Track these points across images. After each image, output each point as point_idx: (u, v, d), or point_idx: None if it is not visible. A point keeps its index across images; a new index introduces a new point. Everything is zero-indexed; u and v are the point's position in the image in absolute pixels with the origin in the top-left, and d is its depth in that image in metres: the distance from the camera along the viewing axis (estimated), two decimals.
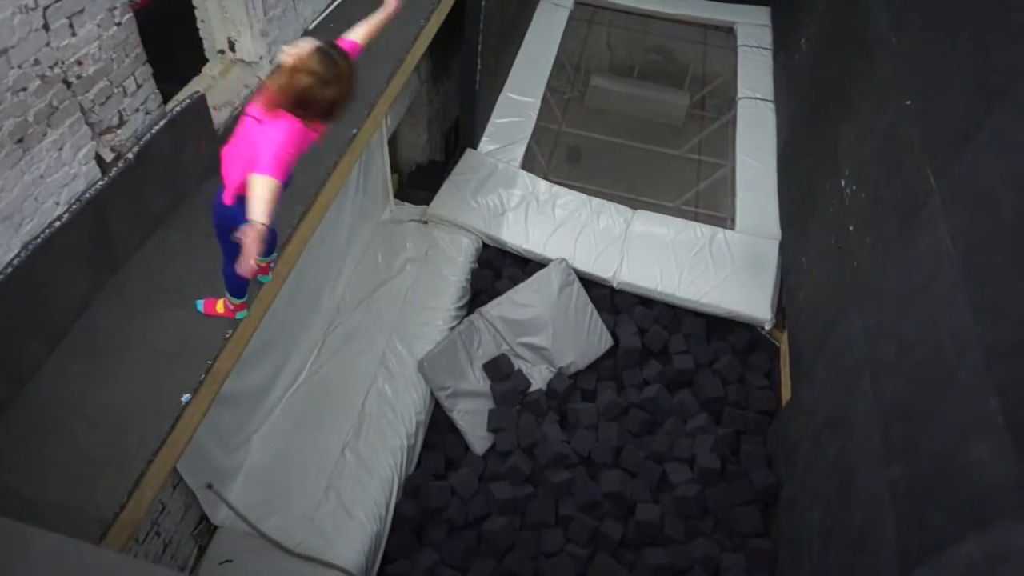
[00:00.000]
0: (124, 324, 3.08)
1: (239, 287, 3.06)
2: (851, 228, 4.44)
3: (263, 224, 2.22)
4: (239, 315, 3.17)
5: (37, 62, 2.55)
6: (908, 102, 4.00)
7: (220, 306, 3.14)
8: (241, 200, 2.48)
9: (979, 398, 2.60)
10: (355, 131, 4.18)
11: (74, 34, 2.69)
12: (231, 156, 2.58)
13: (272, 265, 3.35)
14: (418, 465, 4.96)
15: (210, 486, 4.06)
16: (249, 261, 2.19)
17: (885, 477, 3.17)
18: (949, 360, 2.88)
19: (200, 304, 3.16)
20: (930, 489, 2.82)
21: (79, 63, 2.75)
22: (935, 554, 2.61)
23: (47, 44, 2.58)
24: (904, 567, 2.82)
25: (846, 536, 3.43)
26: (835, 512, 3.64)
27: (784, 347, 5.36)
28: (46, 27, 2.55)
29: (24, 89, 2.53)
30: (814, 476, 4.05)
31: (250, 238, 2.18)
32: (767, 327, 5.55)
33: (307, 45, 2.34)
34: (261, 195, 2.26)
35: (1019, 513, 2.22)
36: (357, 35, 2.77)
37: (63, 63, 2.68)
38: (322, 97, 2.36)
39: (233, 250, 2.61)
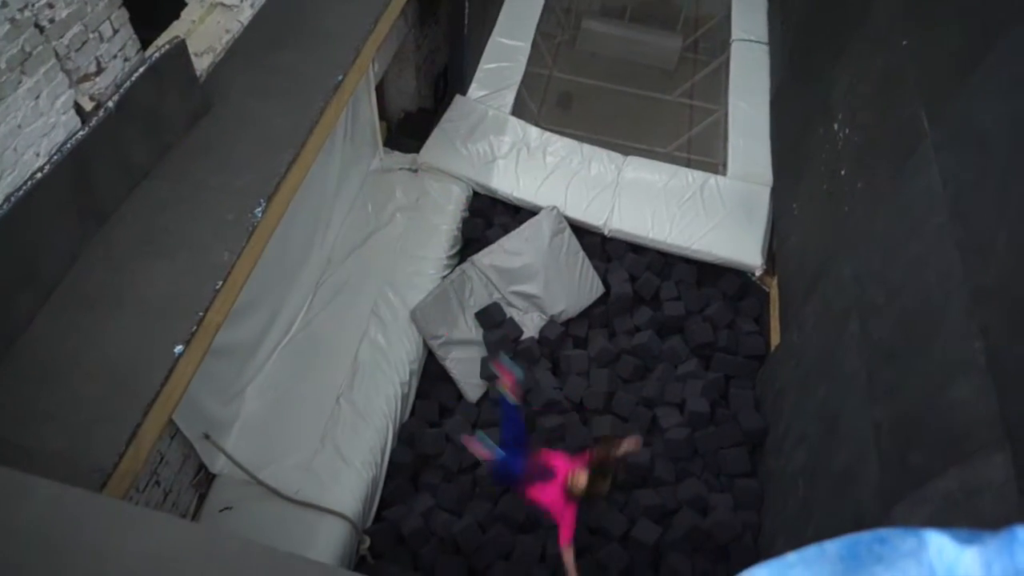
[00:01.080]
0: (114, 276, 3.06)
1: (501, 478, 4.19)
2: (843, 173, 4.42)
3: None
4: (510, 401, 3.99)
5: (5, 4, 2.47)
6: (904, 42, 3.93)
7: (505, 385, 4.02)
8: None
9: (964, 339, 2.64)
10: (341, 77, 4.09)
11: None
12: (546, 493, 3.66)
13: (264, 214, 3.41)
14: (412, 413, 5.03)
15: (207, 436, 4.11)
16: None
17: (869, 418, 3.24)
18: (936, 303, 2.92)
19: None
20: (913, 428, 2.89)
21: (50, 6, 2.67)
22: (915, 489, 2.70)
23: None
24: (886, 502, 2.92)
25: (831, 474, 3.53)
26: (820, 452, 3.74)
27: (774, 293, 5.40)
28: None
29: None
30: (801, 418, 4.14)
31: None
32: (757, 273, 5.57)
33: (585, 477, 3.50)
34: (571, 563, 3.55)
35: (995, 447, 2.29)
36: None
37: (33, 5, 2.59)
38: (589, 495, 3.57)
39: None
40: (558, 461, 3.70)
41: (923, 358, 2.94)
